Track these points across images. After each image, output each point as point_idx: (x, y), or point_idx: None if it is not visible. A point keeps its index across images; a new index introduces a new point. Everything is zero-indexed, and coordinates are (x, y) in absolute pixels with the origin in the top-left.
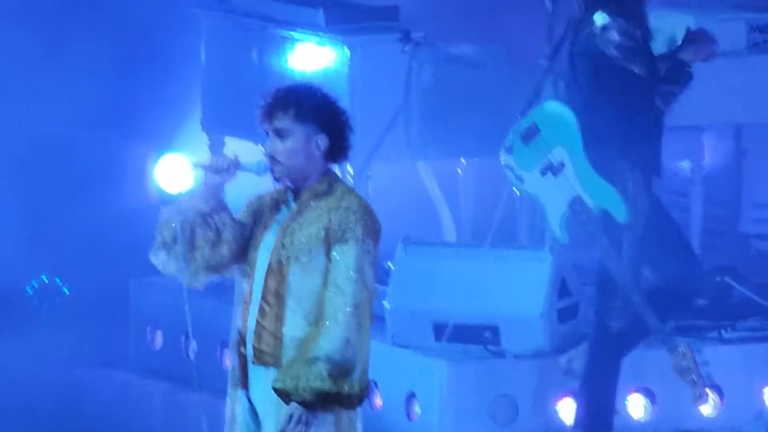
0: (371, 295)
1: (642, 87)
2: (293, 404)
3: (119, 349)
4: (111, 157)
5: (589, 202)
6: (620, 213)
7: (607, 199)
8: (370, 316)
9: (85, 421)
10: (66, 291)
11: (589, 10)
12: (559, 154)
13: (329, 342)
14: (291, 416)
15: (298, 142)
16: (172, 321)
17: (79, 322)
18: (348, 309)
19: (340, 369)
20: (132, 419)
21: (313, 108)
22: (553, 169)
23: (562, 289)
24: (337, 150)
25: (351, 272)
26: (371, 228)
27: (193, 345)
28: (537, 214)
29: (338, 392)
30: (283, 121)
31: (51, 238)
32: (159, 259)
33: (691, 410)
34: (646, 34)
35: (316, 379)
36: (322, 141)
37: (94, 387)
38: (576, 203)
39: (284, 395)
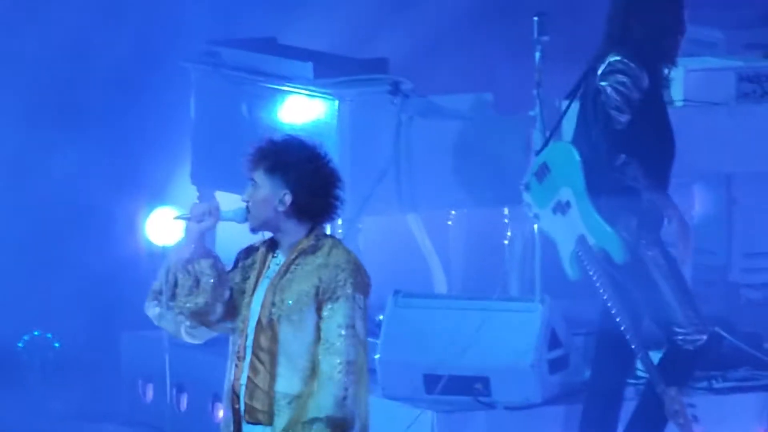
0: (365, 350)
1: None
2: None
3: (111, 403)
4: (102, 211)
5: (590, 240)
6: (618, 253)
7: (606, 238)
8: (365, 371)
9: None
10: (57, 345)
11: (606, 48)
12: (566, 193)
13: (326, 401)
14: None
15: (265, 195)
16: (163, 374)
17: (70, 376)
18: (342, 366)
19: (340, 427)
20: None
21: (281, 164)
22: (561, 208)
23: (552, 339)
24: (309, 209)
25: (343, 329)
26: (361, 283)
27: (175, 395)
28: (527, 264)
29: None
30: (257, 173)
31: (42, 292)
32: (150, 310)
33: None
34: (658, 83)
35: None
36: (286, 197)
37: None
38: (580, 242)
39: None
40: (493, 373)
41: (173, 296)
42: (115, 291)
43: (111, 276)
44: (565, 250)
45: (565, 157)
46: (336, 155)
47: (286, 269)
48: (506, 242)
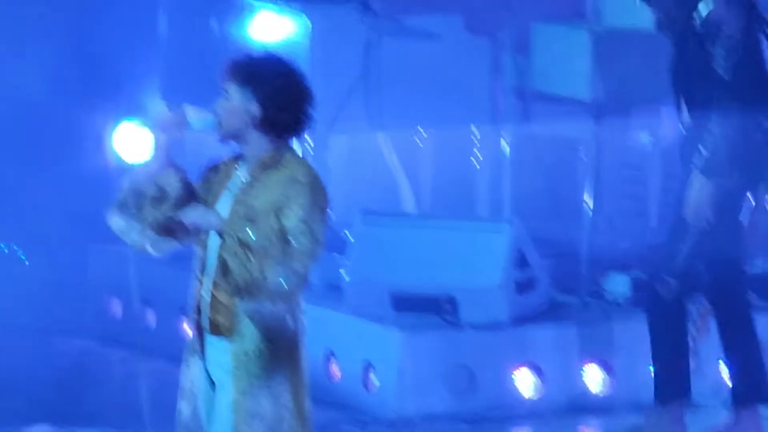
0: (319, 251)
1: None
2: None
3: (77, 317)
4: (69, 125)
5: None
6: None
7: None
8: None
9: (42, 389)
10: (23, 258)
11: None
12: None
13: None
14: None
15: (234, 106)
16: (129, 288)
17: (36, 290)
18: (304, 249)
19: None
20: (89, 387)
21: (252, 76)
22: None
23: (520, 260)
24: (275, 123)
25: (301, 224)
26: (317, 198)
27: (146, 311)
28: (495, 185)
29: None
30: (230, 84)
31: (8, 206)
32: (113, 221)
33: (647, 383)
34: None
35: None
36: (254, 110)
37: (52, 355)
38: None
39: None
40: (461, 293)
41: (140, 208)
42: (82, 205)
43: (78, 189)
44: None
45: None
46: (305, 73)
47: (249, 184)
48: (474, 162)
